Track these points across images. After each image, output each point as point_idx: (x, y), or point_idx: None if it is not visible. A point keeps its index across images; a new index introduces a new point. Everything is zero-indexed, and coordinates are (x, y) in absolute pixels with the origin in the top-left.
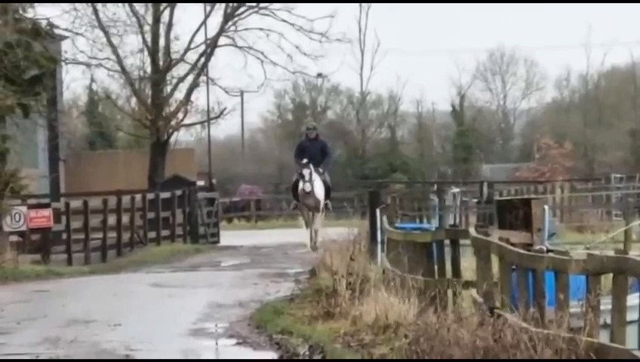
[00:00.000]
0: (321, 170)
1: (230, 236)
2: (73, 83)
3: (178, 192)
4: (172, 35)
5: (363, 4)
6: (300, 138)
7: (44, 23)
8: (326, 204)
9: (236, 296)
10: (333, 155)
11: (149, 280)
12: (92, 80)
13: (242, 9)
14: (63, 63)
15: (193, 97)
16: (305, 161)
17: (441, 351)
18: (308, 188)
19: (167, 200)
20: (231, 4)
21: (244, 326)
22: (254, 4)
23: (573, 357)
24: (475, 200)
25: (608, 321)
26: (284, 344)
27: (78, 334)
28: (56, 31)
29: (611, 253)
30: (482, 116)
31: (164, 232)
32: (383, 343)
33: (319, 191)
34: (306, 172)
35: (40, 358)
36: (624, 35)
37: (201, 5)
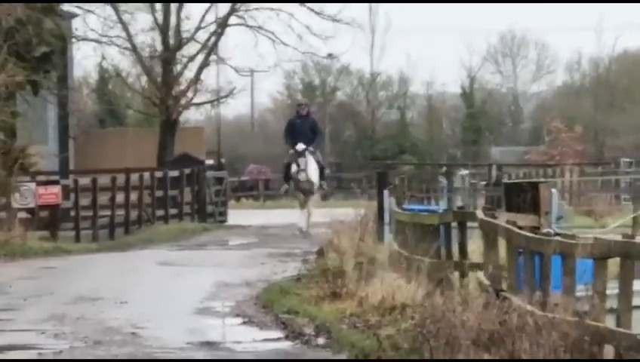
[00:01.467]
0: (311, 149)
1: (238, 215)
2: (84, 60)
3: (187, 171)
4: (183, 13)
5: None
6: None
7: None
8: (321, 185)
9: (243, 276)
10: (322, 134)
11: (156, 258)
12: (103, 57)
13: None
14: (73, 40)
15: (203, 76)
16: (301, 147)
17: (447, 333)
18: (304, 177)
19: (176, 178)
20: None
21: (250, 306)
22: None
23: (579, 341)
24: (484, 182)
25: (614, 306)
26: (290, 324)
27: (85, 311)
28: (68, 8)
29: (618, 238)
30: (492, 99)
31: (172, 211)
32: (390, 324)
33: (313, 173)
34: (302, 161)
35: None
36: (636, 18)
37: None
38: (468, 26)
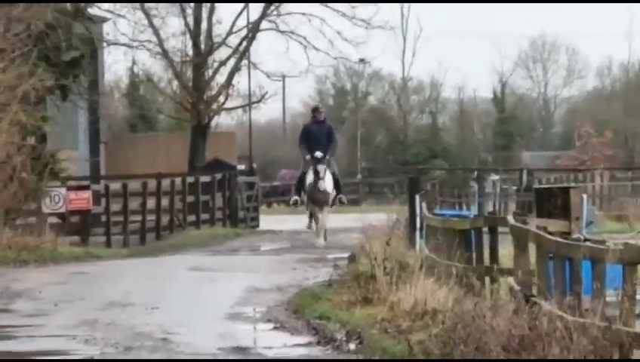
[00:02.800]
0: (327, 157)
1: (270, 220)
2: (115, 65)
3: (218, 176)
4: (214, 18)
5: None
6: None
7: (84, 4)
8: (339, 198)
9: (274, 281)
10: (337, 142)
11: (187, 263)
12: (133, 62)
13: None
14: (104, 45)
15: (235, 81)
16: (319, 154)
17: (477, 339)
18: (322, 186)
19: (207, 183)
20: None
21: (281, 311)
22: None
23: (608, 346)
24: (515, 187)
25: None
26: (321, 329)
27: (116, 317)
28: (98, 12)
29: None
30: (523, 103)
31: (204, 216)
32: (421, 330)
33: (329, 185)
34: (321, 168)
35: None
36: None
37: None
38: (499, 32)
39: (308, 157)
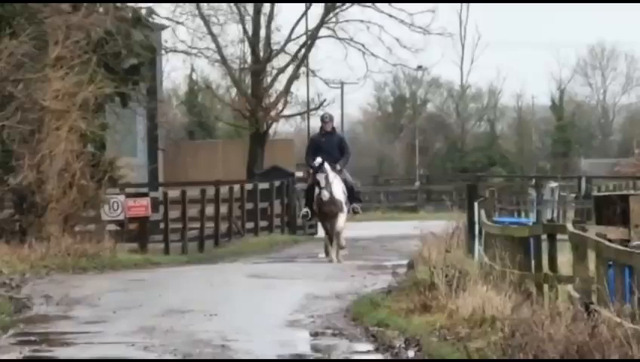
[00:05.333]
0: (338, 167)
1: None
2: (173, 72)
3: (277, 183)
4: (273, 25)
5: None
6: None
7: (144, 11)
8: (354, 208)
9: (333, 288)
10: (350, 153)
11: (246, 270)
12: (192, 69)
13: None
14: (163, 52)
15: (293, 88)
16: (317, 161)
17: (536, 346)
18: (326, 196)
19: (266, 190)
20: None
21: (340, 318)
22: None
23: None
24: (573, 195)
25: None
26: (380, 336)
27: (174, 324)
28: (157, 20)
29: None
30: (582, 111)
31: (262, 223)
32: (479, 337)
33: (339, 193)
34: (321, 177)
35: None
36: None
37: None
38: (557, 39)
39: (310, 171)
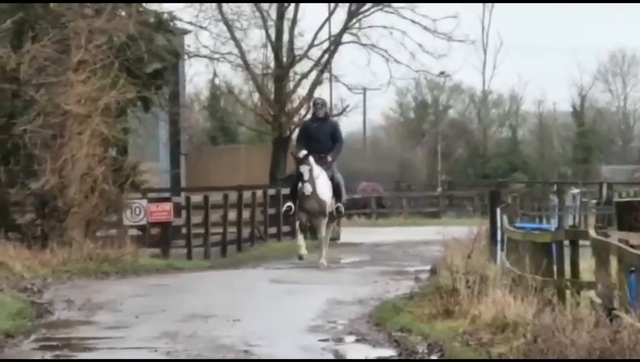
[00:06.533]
0: (329, 158)
1: (350, 233)
2: (196, 77)
3: None
4: (296, 31)
5: (487, 3)
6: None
7: (167, 16)
8: (337, 208)
9: (356, 293)
10: (343, 142)
11: (268, 275)
12: (215, 74)
13: (366, 6)
14: (185, 57)
15: (316, 94)
16: (302, 153)
17: (558, 352)
18: (308, 190)
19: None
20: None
21: (363, 324)
22: (379, 2)
23: None
24: (595, 201)
25: None
26: (402, 342)
27: (197, 329)
28: (180, 24)
29: None
30: (602, 117)
31: (285, 228)
32: (502, 342)
33: (324, 191)
34: (304, 169)
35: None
36: None
37: (325, 2)
38: (578, 45)
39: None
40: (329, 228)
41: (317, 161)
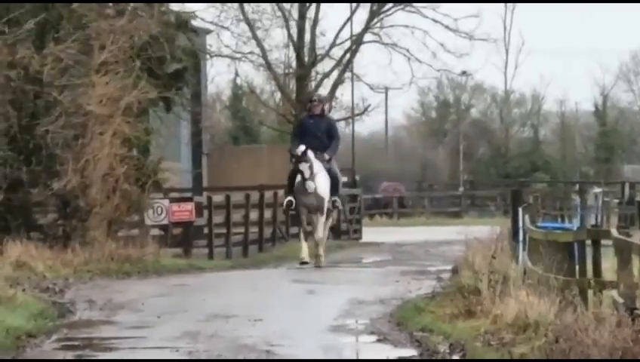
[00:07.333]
0: (327, 157)
1: (372, 233)
2: (217, 77)
3: None
4: (318, 30)
5: (508, 3)
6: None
7: (188, 16)
8: (333, 202)
9: (377, 293)
10: (340, 139)
11: (290, 275)
12: (236, 74)
13: (388, 6)
14: (207, 57)
15: (338, 93)
16: (301, 149)
17: (580, 352)
18: (311, 187)
19: None
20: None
21: (384, 323)
22: (400, 1)
23: None
24: (617, 200)
25: None
26: (424, 341)
27: (218, 329)
28: (202, 24)
29: None
30: (625, 117)
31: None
32: (523, 342)
33: (323, 186)
34: (304, 167)
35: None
36: None
37: (347, 1)
38: (600, 45)
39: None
40: (326, 224)
41: (316, 156)
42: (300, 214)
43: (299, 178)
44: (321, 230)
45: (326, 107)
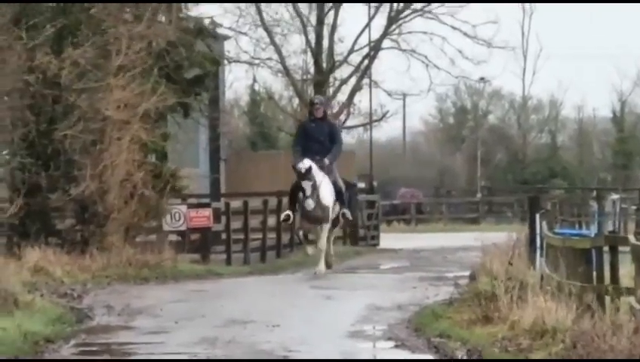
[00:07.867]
0: (327, 162)
1: (390, 239)
2: (236, 83)
3: None
4: (336, 36)
5: (526, 9)
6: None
7: (207, 22)
8: (343, 214)
9: (395, 299)
10: (342, 143)
11: (307, 281)
12: (254, 80)
13: (406, 12)
14: (225, 63)
15: (356, 99)
16: (305, 166)
17: (597, 357)
18: (310, 206)
19: None
20: (395, 5)
21: (402, 329)
22: (419, 7)
23: None
24: (635, 207)
25: None
26: (442, 347)
27: (236, 334)
28: (220, 30)
29: None
30: None
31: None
32: (541, 348)
33: (326, 196)
34: (307, 185)
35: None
36: None
37: (365, 7)
38: (618, 51)
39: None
40: (330, 236)
41: (316, 162)
42: (298, 230)
43: (300, 195)
44: (325, 239)
45: (328, 110)
